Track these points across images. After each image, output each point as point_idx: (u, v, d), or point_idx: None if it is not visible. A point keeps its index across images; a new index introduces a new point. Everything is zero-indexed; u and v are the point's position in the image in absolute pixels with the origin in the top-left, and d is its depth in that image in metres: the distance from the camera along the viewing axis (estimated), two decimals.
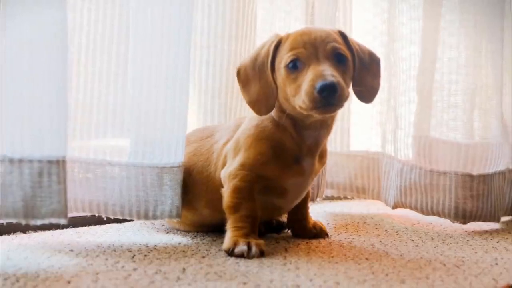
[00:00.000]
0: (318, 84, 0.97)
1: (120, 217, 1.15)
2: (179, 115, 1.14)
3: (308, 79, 1.00)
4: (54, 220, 0.98)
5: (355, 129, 1.64)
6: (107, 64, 1.15)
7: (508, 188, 1.46)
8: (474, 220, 1.37)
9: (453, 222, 1.39)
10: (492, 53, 1.44)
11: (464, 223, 1.38)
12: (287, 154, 1.09)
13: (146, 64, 1.12)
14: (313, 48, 1.03)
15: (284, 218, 1.28)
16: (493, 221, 1.40)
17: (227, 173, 1.10)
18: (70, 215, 1.24)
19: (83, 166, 1.13)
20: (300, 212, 1.23)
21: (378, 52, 1.53)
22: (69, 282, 0.86)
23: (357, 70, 1.09)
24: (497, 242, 1.22)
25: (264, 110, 1.08)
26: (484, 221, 1.38)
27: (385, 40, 1.54)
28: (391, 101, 1.50)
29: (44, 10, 0.97)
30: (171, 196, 1.13)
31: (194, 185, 1.16)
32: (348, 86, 1.05)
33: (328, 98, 0.98)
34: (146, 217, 1.14)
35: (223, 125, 1.26)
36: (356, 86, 1.09)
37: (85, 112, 1.14)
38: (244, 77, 1.10)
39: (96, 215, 1.15)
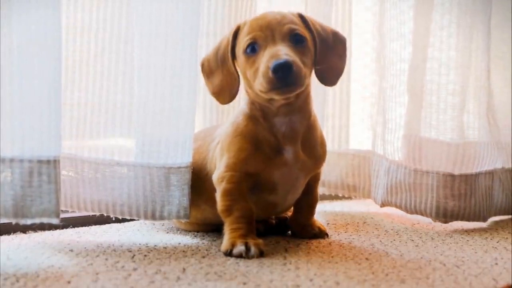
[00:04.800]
0: (272, 64, 0.98)
1: (128, 217, 1.15)
2: (187, 114, 1.14)
3: (264, 60, 1.01)
4: (45, 220, 0.98)
5: (349, 128, 1.63)
6: (115, 63, 1.16)
7: (501, 187, 1.46)
8: (456, 219, 1.37)
9: (434, 221, 1.40)
10: (481, 53, 1.44)
11: (446, 222, 1.38)
12: (264, 145, 1.09)
13: (152, 62, 1.12)
14: (270, 31, 1.04)
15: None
16: (478, 221, 1.39)
17: (216, 177, 1.10)
18: (71, 215, 1.25)
19: (93, 166, 1.13)
20: (303, 214, 1.21)
21: (376, 51, 1.55)
22: (69, 282, 0.86)
23: (320, 51, 1.09)
24: (497, 242, 1.22)
25: (228, 99, 1.11)
26: (467, 220, 1.38)
27: (378, 40, 1.53)
28: (381, 99, 1.50)
29: (35, 10, 0.96)
30: (178, 197, 1.13)
31: (196, 181, 1.16)
32: (307, 67, 1.05)
33: (284, 78, 0.98)
34: (153, 217, 1.14)
35: (222, 124, 1.26)
36: (320, 68, 1.10)
37: (94, 112, 1.15)
38: (208, 69, 1.13)
39: (98, 214, 1.16)
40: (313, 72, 1.11)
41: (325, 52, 1.10)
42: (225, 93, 1.11)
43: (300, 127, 1.11)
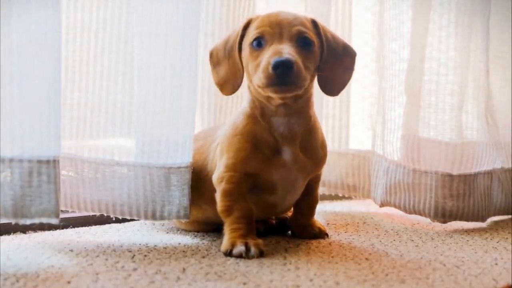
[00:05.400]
0: (273, 60, 0.99)
1: (128, 217, 1.15)
2: (187, 114, 1.14)
3: (266, 56, 1.02)
4: (44, 220, 0.98)
5: (349, 128, 1.63)
6: (115, 63, 1.16)
7: (500, 187, 1.46)
8: (455, 219, 1.37)
9: (433, 221, 1.40)
10: (480, 53, 1.44)
11: (444, 222, 1.38)
12: (263, 145, 1.09)
13: (152, 62, 1.12)
14: (279, 28, 1.05)
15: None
16: (476, 221, 1.39)
17: (216, 177, 1.11)
18: (71, 215, 1.25)
19: (93, 166, 1.13)
20: (304, 215, 1.21)
21: (376, 51, 1.55)
22: (69, 282, 0.86)
23: (326, 60, 1.10)
24: (497, 242, 1.23)
25: (231, 90, 1.12)
26: (466, 220, 1.38)
27: (378, 41, 1.54)
28: (381, 99, 1.50)
29: (35, 10, 0.96)
30: (178, 197, 1.14)
31: (197, 181, 1.16)
32: (309, 71, 1.06)
33: (283, 76, 0.99)
34: (153, 217, 1.14)
35: (223, 124, 1.26)
36: (323, 76, 1.10)
37: (94, 112, 1.15)
38: (216, 59, 1.14)
39: (98, 214, 1.16)
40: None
41: (331, 62, 1.10)
42: (228, 84, 1.12)
43: (298, 129, 1.11)
